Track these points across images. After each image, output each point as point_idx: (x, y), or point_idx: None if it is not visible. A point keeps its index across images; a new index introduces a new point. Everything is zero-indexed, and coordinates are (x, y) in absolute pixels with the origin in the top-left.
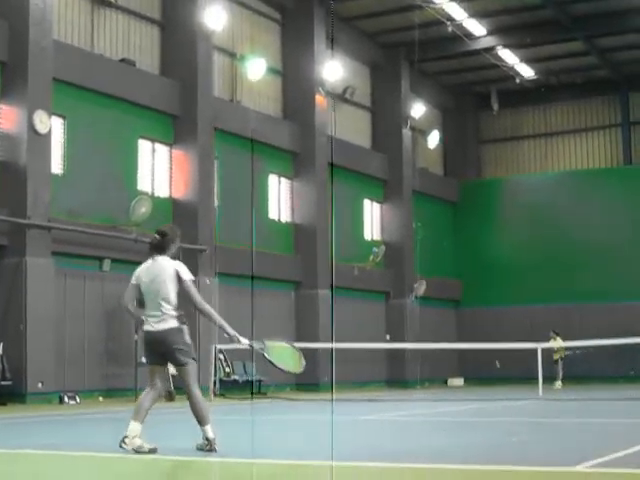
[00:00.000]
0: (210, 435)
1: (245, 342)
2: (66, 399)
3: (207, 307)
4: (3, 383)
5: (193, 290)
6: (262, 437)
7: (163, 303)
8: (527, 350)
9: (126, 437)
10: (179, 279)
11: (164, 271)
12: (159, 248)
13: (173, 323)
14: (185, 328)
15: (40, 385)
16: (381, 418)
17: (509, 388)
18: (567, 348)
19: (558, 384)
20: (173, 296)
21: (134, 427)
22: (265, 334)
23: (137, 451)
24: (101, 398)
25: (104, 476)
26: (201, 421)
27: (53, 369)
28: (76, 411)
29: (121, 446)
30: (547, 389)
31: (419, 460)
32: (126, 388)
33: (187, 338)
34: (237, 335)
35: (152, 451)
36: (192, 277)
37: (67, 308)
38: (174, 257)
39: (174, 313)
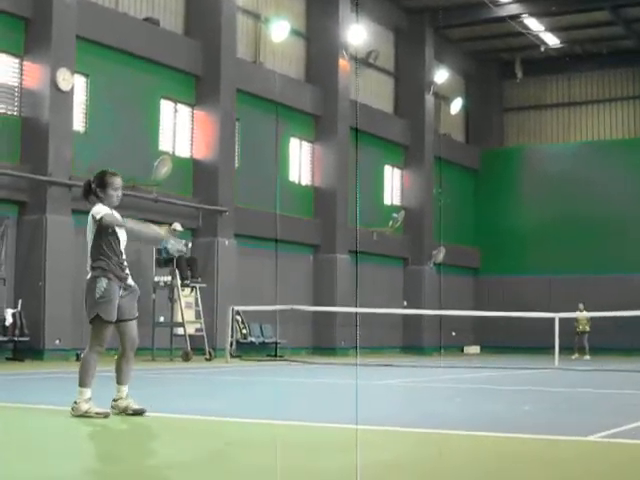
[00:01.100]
0: (78, 397)
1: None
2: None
3: (128, 224)
4: (21, 339)
5: (109, 220)
6: (280, 399)
7: (88, 254)
8: (544, 320)
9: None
10: (95, 222)
11: (88, 221)
12: (85, 195)
13: (90, 274)
14: (100, 280)
15: (57, 342)
16: (395, 383)
17: (525, 357)
18: (591, 319)
19: (586, 357)
20: (92, 244)
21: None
22: (284, 297)
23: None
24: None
25: (121, 433)
26: (79, 381)
27: (70, 326)
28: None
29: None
30: (563, 359)
31: (428, 425)
32: (143, 347)
33: (97, 292)
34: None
35: (106, 415)
36: (104, 212)
37: (86, 266)
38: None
39: (92, 264)
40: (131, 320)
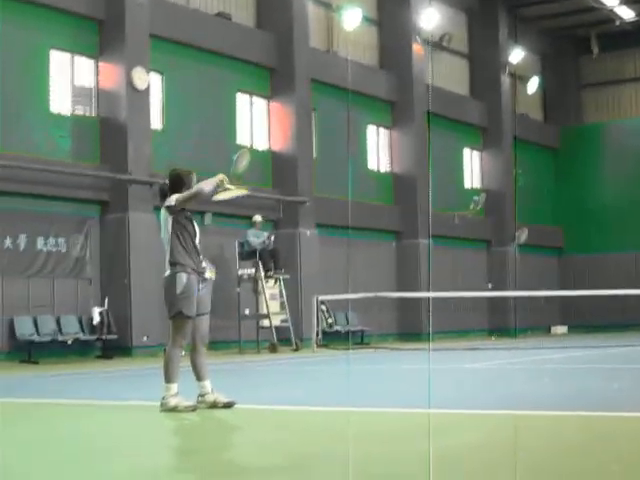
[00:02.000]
0: (166, 393)
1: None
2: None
3: (195, 190)
4: (109, 337)
5: (183, 197)
6: (367, 386)
7: (167, 251)
8: (632, 297)
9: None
10: (171, 214)
11: (161, 217)
12: (162, 196)
13: (169, 271)
14: (180, 276)
15: (145, 339)
16: (483, 367)
17: (614, 335)
18: None
19: None
20: (167, 239)
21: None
22: (366, 285)
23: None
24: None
25: (208, 427)
26: (165, 377)
27: (158, 323)
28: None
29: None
30: None
31: (516, 407)
32: (230, 340)
33: (178, 288)
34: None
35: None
36: (181, 195)
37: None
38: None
39: (171, 260)
40: (205, 315)
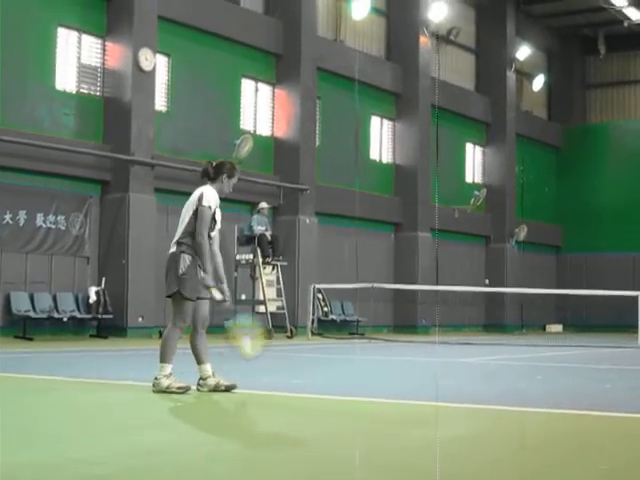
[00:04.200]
0: (159, 373)
1: (216, 296)
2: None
3: (205, 245)
4: (105, 317)
5: (201, 217)
6: (362, 376)
7: (179, 228)
8: (628, 298)
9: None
10: (200, 206)
11: (192, 197)
12: (204, 174)
13: (174, 249)
14: (184, 257)
15: (140, 319)
16: (476, 361)
17: (608, 336)
18: None
19: None
20: (187, 221)
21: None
22: (364, 275)
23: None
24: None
25: (201, 408)
26: (160, 357)
27: (153, 304)
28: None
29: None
30: None
31: (508, 403)
32: (224, 325)
33: (181, 268)
34: (219, 291)
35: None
36: (213, 204)
37: (169, 244)
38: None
39: (180, 239)
40: (205, 299)
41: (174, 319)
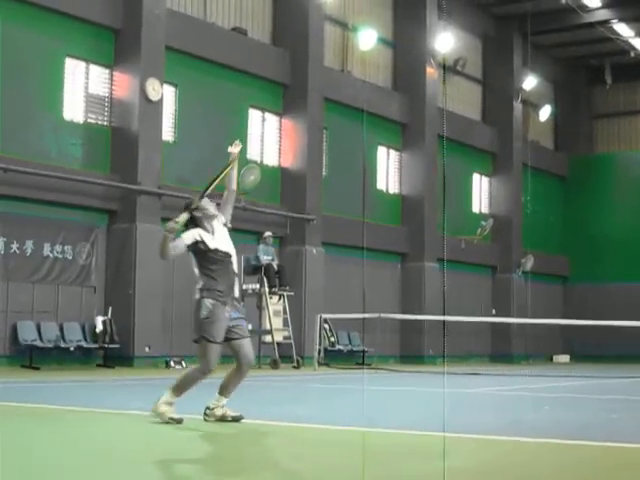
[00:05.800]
0: (163, 397)
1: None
2: (172, 364)
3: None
4: (111, 346)
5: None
6: (368, 407)
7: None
8: (636, 328)
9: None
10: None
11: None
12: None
13: (196, 295)
14: (205, 302)
15: (147, 349)
16: (483, 392)
17: (616, 366)
18: None
19: None
20: (195, 267)
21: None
22: (371, 305)
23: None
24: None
25: (207, 437)
26: (172, 386)
27: (160, 334)
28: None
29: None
30: None
31: (516, 434)
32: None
33: (202, 313)
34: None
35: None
36: (186, 240)
37: (175, 274)
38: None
39: (197, 285)
40: (245, 338)
41: (199, 362)
